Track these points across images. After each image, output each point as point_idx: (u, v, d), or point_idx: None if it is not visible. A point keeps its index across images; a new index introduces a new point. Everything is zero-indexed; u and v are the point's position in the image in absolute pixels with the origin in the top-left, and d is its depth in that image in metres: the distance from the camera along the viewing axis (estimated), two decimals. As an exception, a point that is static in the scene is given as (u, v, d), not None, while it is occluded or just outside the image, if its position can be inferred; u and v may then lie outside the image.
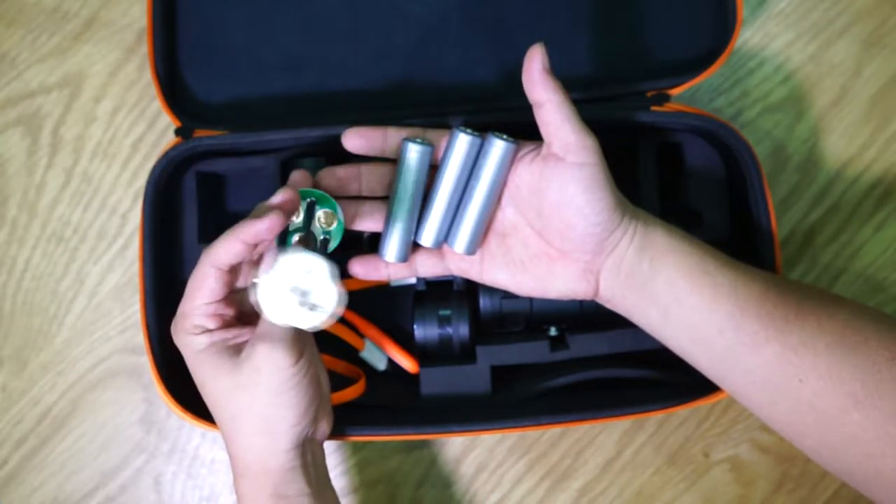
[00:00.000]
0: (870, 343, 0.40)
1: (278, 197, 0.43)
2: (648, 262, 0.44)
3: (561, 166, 0.44)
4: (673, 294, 0.44)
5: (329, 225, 0.46)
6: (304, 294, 0.39)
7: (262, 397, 0.43)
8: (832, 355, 0.40)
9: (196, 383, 0.46)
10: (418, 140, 0.46)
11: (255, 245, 0.43)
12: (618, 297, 0.46)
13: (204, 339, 0.44)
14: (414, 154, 0.46)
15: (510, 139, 0.45)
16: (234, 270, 0.45)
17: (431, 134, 0.48)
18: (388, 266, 0.49)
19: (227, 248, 0.43)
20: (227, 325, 0.45)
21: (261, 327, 0.43)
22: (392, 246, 0.47)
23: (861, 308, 0.43)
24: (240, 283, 0.46)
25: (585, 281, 0.46)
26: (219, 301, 0.44)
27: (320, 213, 0.46)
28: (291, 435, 0.44)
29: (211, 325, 0.44)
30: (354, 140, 0.48)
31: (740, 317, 0.43)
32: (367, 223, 0.48)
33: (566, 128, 0.43)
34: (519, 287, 0.48)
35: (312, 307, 0.39)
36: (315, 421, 0.46)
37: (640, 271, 0.44)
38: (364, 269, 0.49)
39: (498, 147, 0.45)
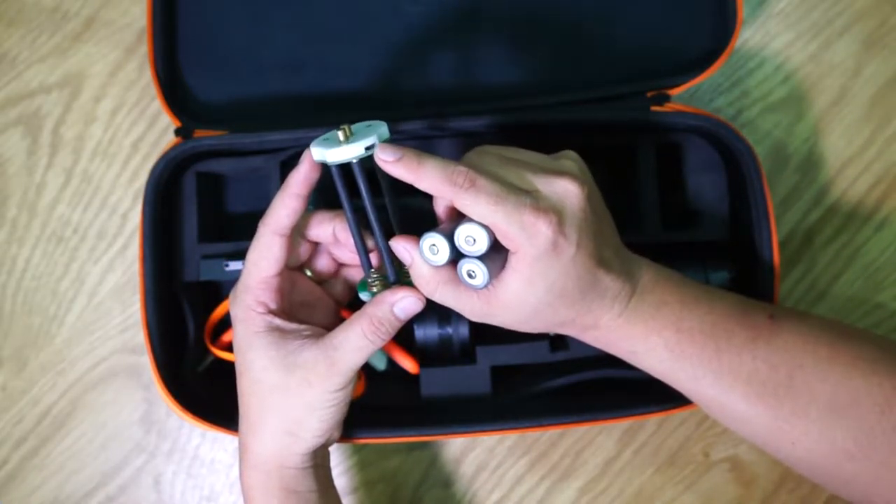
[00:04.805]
0: (860, 402, 0.41)
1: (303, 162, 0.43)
2: (636, 345, 0.44)
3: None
4: (669, 370, 0.44)
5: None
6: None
7: (301, 406, 0.44)
8: (823, 421, 0.41)
9: (237, 362, 0.45)
10: None
11: (307, 196, 0.43)
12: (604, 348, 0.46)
13: (264, 321, 0.44)
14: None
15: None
16: (292, 245, 0.44)
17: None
18: None
19: (284, 208, 0.43)
20: (285, 312, 0.45)
21: (335, 349, 0.43)
22: None
23: (854, 358, 0.42)
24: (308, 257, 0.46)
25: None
26: (280, 275, 0.44)
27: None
28: (313, 443, 0.45)
29: (273, 303, 0.44)
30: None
31: (730, 397, 0.43)
32: None
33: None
34: None
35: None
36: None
37: (625, 349, 0.45)
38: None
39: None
